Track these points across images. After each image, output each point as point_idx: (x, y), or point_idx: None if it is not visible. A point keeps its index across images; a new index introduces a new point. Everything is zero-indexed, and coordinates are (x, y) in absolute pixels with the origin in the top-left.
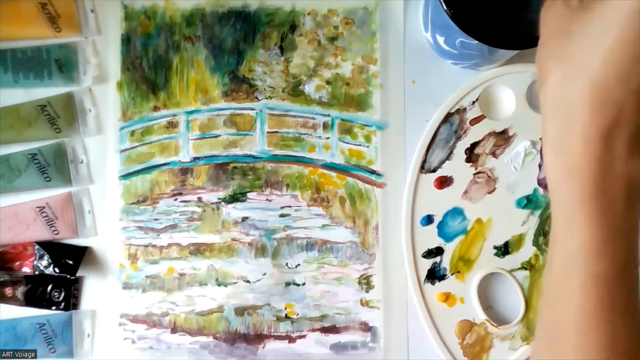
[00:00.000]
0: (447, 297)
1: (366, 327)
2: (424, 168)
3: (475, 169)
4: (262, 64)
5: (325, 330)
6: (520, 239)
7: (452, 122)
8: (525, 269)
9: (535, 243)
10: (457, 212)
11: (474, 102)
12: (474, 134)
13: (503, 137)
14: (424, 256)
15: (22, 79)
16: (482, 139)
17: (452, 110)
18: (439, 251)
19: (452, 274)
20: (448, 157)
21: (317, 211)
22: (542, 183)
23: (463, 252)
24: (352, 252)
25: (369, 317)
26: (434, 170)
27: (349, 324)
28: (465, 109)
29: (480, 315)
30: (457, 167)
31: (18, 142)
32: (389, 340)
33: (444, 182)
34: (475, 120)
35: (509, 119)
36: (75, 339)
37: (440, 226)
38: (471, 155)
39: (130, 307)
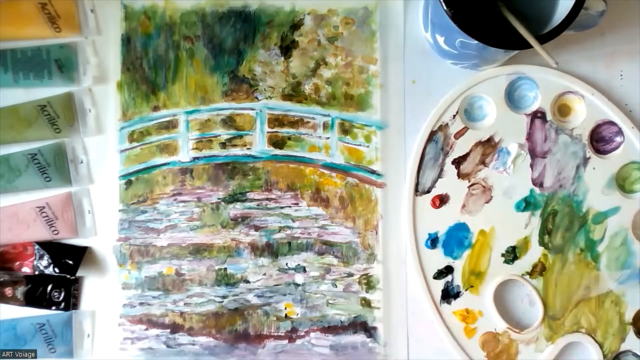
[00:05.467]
0: (467, 315)
1: (366, 327)
2: (418, 190)
3: (469, 181)
4: (262, 64)
5: (325, 330)
6: (526, 242)
7: (437, 139)
8: (537, 269)
9: (542, 243)
10: (459, 227)
11: (454, 115)
12: (461, 147)
13: (490, 145)
14: (435, 277)
15: (22, 79)
16: (470, 151)
17: (435, 128)
18: (449, 270)
19: (466, 290)
20: (440, 175)
21: (317, 211)
22: (536, 182)
23: (472, 266)
24: (352, 252)
25: (369, 317)
26: (428, 191)
27: (349, 324)
28: (447, 124)
29: (501, 325)
30: (451, 183)
31: (18, 142)
32: (389, 340)
33: (440, 201)
34: (459, 134)
35: (492, 125)
36: (75, 339)
37: (446, 245)
38: (462, 168)
39: (130, 308)
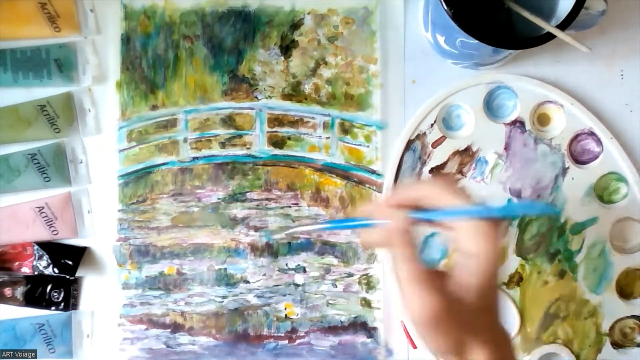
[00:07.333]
0: None
1: (366, 327)
2: None
3: None
4: (261, 63)
5: (325, 330)
6: (503, 252)
7: (415, 148)
8: (514, 280)
9: (519, 253)
10: (435, 237)
11: (432, 124)
12: (438, 156)
13: (468, 154)
14: None
15: (21, 78)
16: (447, 160)
17: (412, 137)
18: None
19: None
20: None
21: (317, 211)
22: (514, 192)
23: None
24: (352, 252)
25: (369, 317)
26: None
27: (349, 324)
28: (424, 133)
29: None
30: None
31: (17, 142)
32: (389, 340)
33: None
34: (437, 142)
35: (470, 134)
36: (74, 340)
37: (422, 255)
38: (439, 177)
39: (130, 308)
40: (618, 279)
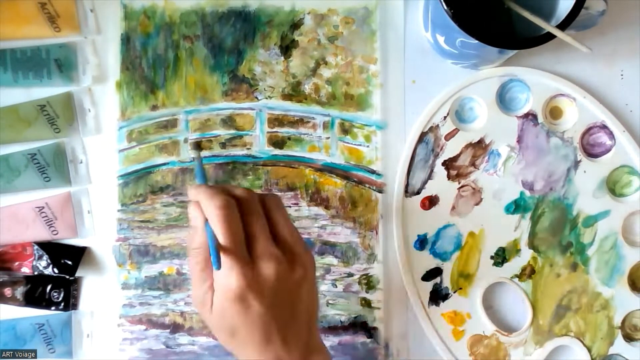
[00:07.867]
0: (456, 317)
1: (366, 327)
2: (407, 192)
3: (459, 183)
4: (262, 63)
5: (325, 330)
6: (515, 245)
7: (427, 140)
8: (526, 272)
9: (531, 246)
10: (448, 229)
11: (445, 117)
12: (451, 148)
13: (480, 147)
14: (423, 279)
15: (21, 78)
16: (460, 152)
17: (426, 129)
18: (437, 272)
19: (454, 292)
20: (430, 177)
21: (317, 211)
22: (527, 185)
23: (461, 267)
24: (352, 252)
25: (369, 317)
26: (418, 192)
27: (349, 324)
28: (437, 125)
29: (489, 327)
30: (440, 185)
31: (17, 142)
32: (389, 340)
33: (430, 202)
34: (450, 135)
35: (483, 127)
36: (74, 340)
37: (435, 246)
38: (452, 170)
39: (129, 308)
40: (630, 272)
